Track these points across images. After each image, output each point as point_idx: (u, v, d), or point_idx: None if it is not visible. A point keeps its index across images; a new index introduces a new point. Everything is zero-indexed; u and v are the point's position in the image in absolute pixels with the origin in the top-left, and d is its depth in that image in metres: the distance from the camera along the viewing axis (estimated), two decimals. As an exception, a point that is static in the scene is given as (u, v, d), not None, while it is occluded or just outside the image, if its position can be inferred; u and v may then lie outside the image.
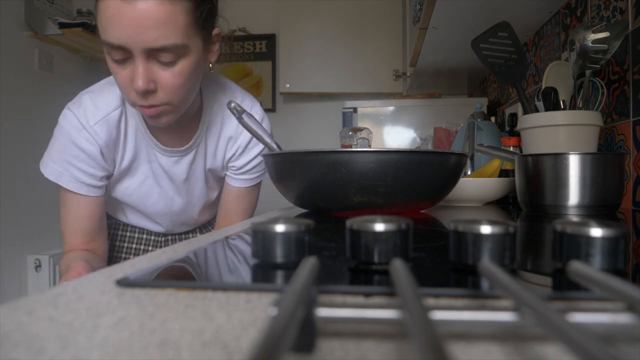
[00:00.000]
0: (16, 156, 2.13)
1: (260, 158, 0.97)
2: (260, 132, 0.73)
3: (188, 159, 0.90)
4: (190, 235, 1.09)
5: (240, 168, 0.96)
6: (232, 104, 0.72)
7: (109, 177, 0.87)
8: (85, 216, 0.85)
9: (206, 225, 1.13)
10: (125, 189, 0.90)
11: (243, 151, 0.94)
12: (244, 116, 0.72)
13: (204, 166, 0.93)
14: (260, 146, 0.95)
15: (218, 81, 0.93)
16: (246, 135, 0.93)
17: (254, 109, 0.94)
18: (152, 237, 1.04)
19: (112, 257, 1.00)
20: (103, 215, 0.89)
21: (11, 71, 2.11)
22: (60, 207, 0.86)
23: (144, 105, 0.74)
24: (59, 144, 0.82)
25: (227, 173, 0.98)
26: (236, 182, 0.97)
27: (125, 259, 1.02)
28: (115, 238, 1.02)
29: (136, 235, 1.03)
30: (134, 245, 1.03)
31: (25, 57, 2.20)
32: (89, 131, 0.80)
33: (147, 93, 0.72)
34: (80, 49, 2.43)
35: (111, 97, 0.83)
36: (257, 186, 1.02)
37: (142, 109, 0.75)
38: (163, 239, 1.06)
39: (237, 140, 0.94)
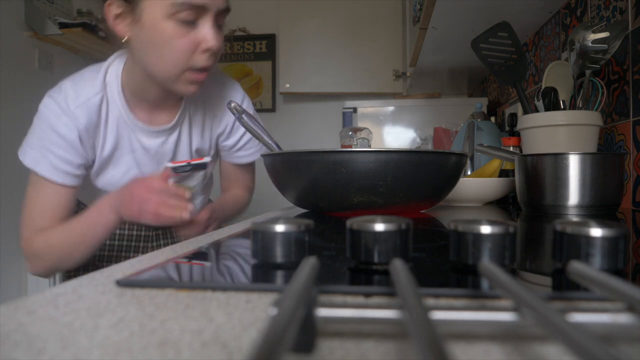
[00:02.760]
0: (16, 156, 2.13)
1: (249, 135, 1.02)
2: (259, 131, 0.73)
3: (173, 137, 0.91)
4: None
5: (233, 146, 0.99)
6: (232, 104, 0.73)
7: (87, 167, 0.87)
8: (59, 203, 0.84)
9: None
10: (110, 179, 0.89)
11: (232, 129, 0.97)
12: (244, 116, 0.72)
13: (190, 145, 0.94)
14: (251, 109, 1.00)
15: None
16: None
17: (235, 88, 0.98)
18: (143, 233, 1.02)
19: (104, 257, 0.98)
20: (73, 206, 0.88)
21: (11, 71, 2.11)
22: (29, 192, 0.85)
23: (204, 68, 0.76)
24: (38, 131, 0.82)
25: (222, 153, 1.01)
26: (234, 159, 1.01)
27: (116, 256, 1.00)
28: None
29: (126, 232, 1.01)
30: (124, 243, 1.01)
31: (25, 57, 2.20)
32: (69, 116, 0.80)
33: (215, 54, 0.76)
34: (80, 49, 2.43)
35: (92, 83, 0.83)
36: (253, 164, 1.07)
37: (196, 75, 0.77)
38: (154, 233, 1.03)
39: (223, 119, 0.96)
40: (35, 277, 2.18)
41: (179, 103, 0.91)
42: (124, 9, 0.76)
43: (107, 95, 0.84)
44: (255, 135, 0.73)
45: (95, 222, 0.81)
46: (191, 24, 0.73)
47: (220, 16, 0.76)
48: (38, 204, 0.84)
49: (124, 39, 0.78)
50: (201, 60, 0.76)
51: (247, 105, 0.98)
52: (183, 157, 0.95)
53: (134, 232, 1.02)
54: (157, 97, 0.85)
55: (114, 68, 0.85)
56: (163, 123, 0.89)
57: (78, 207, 0.99)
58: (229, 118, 0.96)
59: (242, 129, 0.97)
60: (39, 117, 0.82)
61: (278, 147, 0.73)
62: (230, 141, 0.98)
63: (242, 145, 1.00)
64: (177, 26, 0.73)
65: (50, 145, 0.81)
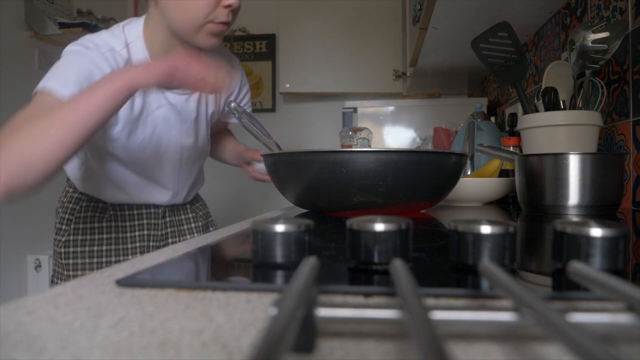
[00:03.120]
0: (16, 156, 2.13)
1: (249, 95, 1.13)
2: (260, 132, 0.73)
3: (195, 96, 0.96)
4: (188, 207, 1.11)
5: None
6: (233, 104, 0.73)
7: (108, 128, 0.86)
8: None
9: (197, 207, 1.15)
10: (141, 142, 0.90)
11: (237, 95, 1.07)
12: (244, 117, 0.73)
13: (207, 107, 1.00)
14: (247, 87, 1.11)
15: None
16: (238, 77, 1.07)
17: (238, 62, 1.08)
18: (152, 221, 1.03)
19: (119, 250, 0.99)
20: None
21: (11, 71, 2.11)
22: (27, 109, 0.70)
23: (223, 22, 0.82)
24: (63, 64, 0.76)
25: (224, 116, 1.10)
26: (230, 119, 1.11)
27: (131, 248, 1.01)
28: (117, 230, 1.00)
29: (136, 222, 1.01)
30: (137, 233, 1.02)
31: (25, 57, 2.20)
32: (99, 55, 0.80)
33: (232, 11, 0.83)
34: (80, 49, 2.43)
35: (115, 39, 0.84)
36: None
37: (216, 26, 0.82)
38: (162, 221, 1.05)
39: (230, 85, 1.06)
40: (35, 277, 2.18)
41: None
42: None
43: (131, 52, 0.86)
44: (255, 135, 0.73)
45: (95, 90, 0.66)
46: None
47: None
48: (31, 110, 0.70)
49: None
50: (222, 14, 0.82)
51: (244, 83, 1.09)
52: (202, 119, 1.00)
53: (144, 221, 1.02)
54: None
55: (132, 29, 0.87)
56: None
57: (79, 200, 0.99)
58: (235, 84, 1.06)
59: (247, 91, 1.09)
60: (64, 56, 0.78)
61: (278, 146, 0.73)
62: (238, 100, 1.08)
63: (244, 104, 1.10)
64: None
65: (80, 70, 0.75)
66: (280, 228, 0.28)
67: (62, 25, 2.20)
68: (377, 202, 0.58)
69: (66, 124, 0.62)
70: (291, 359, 0.16)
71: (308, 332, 0.16)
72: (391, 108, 2.07)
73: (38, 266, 2.18)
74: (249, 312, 0.21)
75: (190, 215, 1.11)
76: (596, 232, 0.25)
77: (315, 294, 0.18)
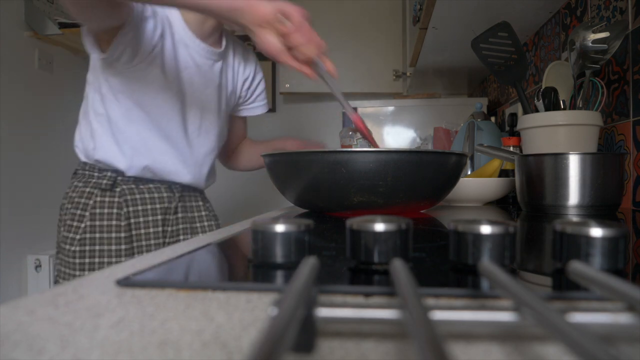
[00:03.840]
0: (16, 156, 2.13)
1: (263, 85, 1.17)
2: (333, 85, 0.75)
3: (218, 66, 1.01)
4: (201, 205, 1.11)
5: (251, 96, 1.14)
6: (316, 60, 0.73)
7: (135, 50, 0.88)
8: None
9: (208, 207, 1.15)
10: (164, 96, 0.93)
11: (253, 77, 1.13)
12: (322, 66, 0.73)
13: (227, 81, 1.06)
14: (261, 74, 1.16)
15: None
16: (252, 62, 1.12)
17: (252, 53, 1.14)
18: (166, 216, 1.02)
19: (132, 249, 0.97)
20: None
21: (11, 71, 2.11)
22: None
23: None
24: None
25: (237, 108, 1.14)
26: (246, 111, 1.16)
27: (145, 246, 0.99)
28: (131, 228, 0.98)
29: (150, 218, 0.99)
30: (151, 230, 1.00)
31: (25, 57, 2.20)
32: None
33: None
34: (80, 49, 2.43)
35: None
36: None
37: None
38: (174, 217, 1.04)
39: (247, 66, 1.11)
40: (35, 277, 2.18)
41: (221, 41, 1.02)
42: None
43: (166, 14, 0.91)
44: (334, 92, 0.73)
45: None
46: None
47: None
48: None
49: None
50: None
51: (258, 71, 1.15)
52: (223, 91, 1.04)
53: (157, 205, 1.01)
54: (211, 27, 0.96)
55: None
56: (214, 46, 1.00)
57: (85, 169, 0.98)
58: (251, 67, 1.11)
59: (260, 79, 1.15)
60: None
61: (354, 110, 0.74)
62: (251, 90, 1.14)
63: (259, 94, 1.15)
64: None
65: None
66: (280, 228, 0.28)
67: (62, 25, 2.20)
68: (377, 202, 0.58)
69: None
70: (291, 359, 0.16)
71: (308, 332, 0.16)
72: (391, 108, 2.07)
73: (38, 266, 2.18)
74: (249, 312, 0.21)
75: (203, 213, 1.12)
76: (596, 232, 0.25)
77: (315, 294, 0.18)
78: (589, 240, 0.25)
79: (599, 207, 0.66)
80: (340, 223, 0.54)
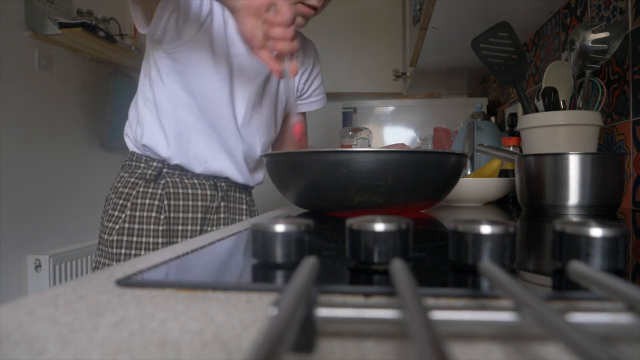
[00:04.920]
0: (16, 156, 2.13)
1: (321, 79, 1.15)
2: None
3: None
4: (244, 205, 1.08)
5: (308, 89, 1.12)
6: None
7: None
8: None
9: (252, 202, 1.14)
10: (206, 83, 0.92)
11: (312, 69, 1.11)
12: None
13: (278, 84, 1.04)
14: (320, 79, 1.14)
15: None
16: (317, 69, 1.12)
17: (310, 45, 1.13)
18: (207, 215, 0.99)
19: (168, 243, 0.94)
20: None
21: (11, 71, 2.11)
22: None
23: (313, 7, 0.86)
24: None
25: (297, 103, 1.12)
26: (304, 106, 1.13)
27: (182, 230, 0.97)
28: (170, 222, 0.95)
29: (190, 214, 0.97)
30: (189, 227, 0.97)
31: (25, 57, 2.20)
32: None
33: None
34: (80, 49, 2.43)
35: None
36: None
37: (305, 7, 0.86)
38: (215, 216, 1.00)
39: (305, 58, 1.09)
40: (35, 277, 2.18)
41: None
42: None
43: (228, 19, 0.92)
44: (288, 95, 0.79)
45: None
46: None
47: None
48: None
49: None
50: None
51: (317, 63, 1.13)
52: (274, 87, 1.02)
53: (198, 203, 0.98)
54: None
55: None
56: None
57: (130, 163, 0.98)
58: (310, 58, 1.10)
59: (318, 72, 1.13)
60: None
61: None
62: (308, 83, 1.11)
63: (315, 88, 1.13)
64: None
65: None
66: (280, 228, 0.28)
67: (62, 25, 2.20)
68: (377, 202, 0.58)
69: None
70: (291, 359, 0.16)
71: (308, 332, 0.16)
72: (391, 108, 2.07)
73: (38, 266, 2.18)
74: (249, 312, 0.21)
75: (244, 218, 1.06)
76: (596, 232, 0.25)
77: (315, 294, 0.18)
78: (589, 240, 0.25)
79: (599, 207, 0.66)
80: (340, 223, 0.54)
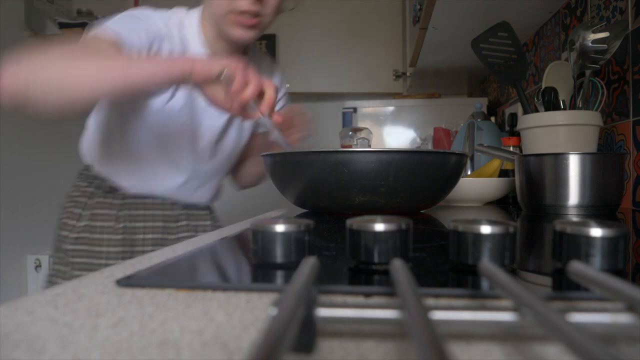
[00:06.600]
0: (16, 156, 2.13)
1: (284, 101, 1.09)
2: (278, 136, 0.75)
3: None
4: (206, 210, 1.07)
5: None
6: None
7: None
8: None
9: (213, 216, 1.11)
10: (169, 113, 0.89)
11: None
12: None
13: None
14: (284, 101, 1.08)
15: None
16: (278, 78, 1.06)
17: (279, 71, 1.08)
18: (163, 212, 0.98)
19: (126, 253, 0.94)
20: None
21: (11, 71, 2.11)
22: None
23: (250, 11, 0.80)
24: (119, 20, 0.81)
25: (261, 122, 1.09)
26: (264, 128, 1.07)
27: (142, 242, 0.97)
28: (128, 231, 0.96)
29: (150, 224, 0.96)
30: (149, 224, 0.97)
31: (25, 57, 2.20)
32: (151, 24, 0.83)
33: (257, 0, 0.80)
34: (80, 49, 2.43)
35: (175, 15, 0.87)
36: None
37: (240, 17, 0.81)
38: (175, 225, 1.00)
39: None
40: (35, 277, 2.18)
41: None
42: None
43: (187, 34, 0.88)
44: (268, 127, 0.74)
45: (153, 63, 0.68)
46: None
47: None
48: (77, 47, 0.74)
49: None
50: (241, 4, 0.79)
51: (282, 95, 1.08)
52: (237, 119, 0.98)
53: (155, 212, 0.98)
54: (225, 47, 0.90)
55: (191, 15, 0.90)
56: None
57: (92, 181, 0.96)
58: (276, 82, 1.04)
59: (282, 94, 1.07)
60: (120, 15, 0.83)
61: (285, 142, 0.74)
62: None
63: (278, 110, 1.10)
64: None
65: (134, 26, 0.80)
66: (280, 228, 0.28)
67: (62, 25, 2.20)
68: (378, 202, 0.58)
69: (111, 73, 0.65)
70: (291, 359, 0.16)
71: (308, 332, 0.16)
72: (391, 108, 2.07)
73: (38, 266, 2.18)
74: (249, 312, 0.21)
75: (207, 222, 1.07)
76: (596, 232, 0.25)
77: (315, 294, 0.18)
78: (589, 240, 0.25)
79: (599, 207, 0.66)
80: (341, 223, 0.54)
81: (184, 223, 1.02)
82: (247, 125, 1.02)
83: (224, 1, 0.80)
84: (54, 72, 0.64)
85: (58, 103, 0.64)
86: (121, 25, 0.79)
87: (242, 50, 0.95)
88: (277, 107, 1.05)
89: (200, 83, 0.67)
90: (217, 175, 1.04)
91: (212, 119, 0.94)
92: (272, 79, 1.05)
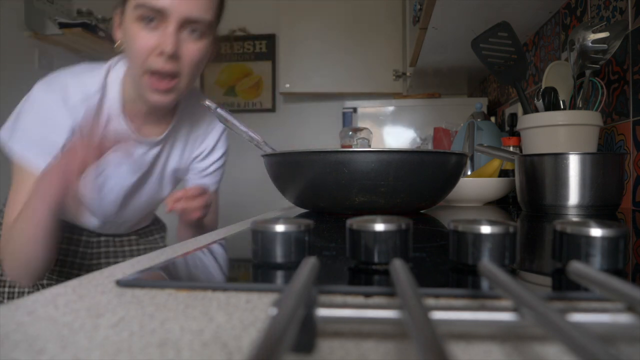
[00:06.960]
0: (16, 156, 2.13)
1: (222, 162, 1.01)
2: (236, 122, 0.73)
3: (154, 151, 0.89)
4: (128, 237, 1.04)
5: (203, 170, 0.99)
6: (207, 101, 0.74)
7: None
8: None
9: (145, 232, 1.08)
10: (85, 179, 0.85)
11: (209, 153, 0.98)
12: (219, 109, 0.73)
13: (166, 163, 0.93)
14: (222, 150, 1.00)
15: None
16: (213, 136, 0.97)
17: (213, 123, 0.98)
18: (83, 238, 0.96)
19: (82, 265, 0.94)
20: None
21: (11, 71, 2.11)
22: (14, 182, 0.79)
23: (161, 72, 0.74)
24: (31, 119, 0.79)
25: (189, 176, 1.00)
26: (193, 183, 0.99)
27: (96, 264, 0.96)
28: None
29: (65, 234, 0.94)
30: (63, 246, 0.94)
31: (25, 57, 2.20)
32: (69, 109, 0.78)
33: (171, 58, 0.73)
34: (80, 49, 2.43)
35: (93, 80, 0.81)
36: (216, 192, 1.03)
37: (153, 80, 0.75)
38: (96, 240, 0.98)
39: (205, 140, 0.97)
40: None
41: (170, 119, 0.90)
42: (119, 15, 0.79)
43: (107, 95, 0.82)
44: (231, 126, 0.73)
45: (35, 209, 0.72)
46: (155, 27, 0.73)
47: (192, 24, 0.74)
48: (21, 194, 0.77)
49: (117, 44, 0.81)
50: (155, 62, 0.74)
51: (219, 147, 1.00)
52: (157, 173, 0.92)
53: (74, 236, 0.95)
54: (145, 108, 0.84)
55: (116, 72, 0.84)
56: (151, 135, 0.88)
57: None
58: (210, 141, 0.97)
59: (217, 154, 0.99)
60: (33, 105, 0.79)
61: (267, 144, 0.73)
62: (203, 164, 0.98)
63: (212, 171, 1.00)
64: (141, 28, 0.73)
65: (46, 133, 0.78)
66: (280, 228, 0.28)
67: (62, 25, 2.20)
68: (378, 202, 0.58)
69: (36, 224, 0.72)
70: (291, 359, 0.16)
71: (308, 332, 0.16)
72: (391, 108, 2.07)
73: (38, 266, 2.18)
74: (249, 312, 0.21)
75: (134, 248, 1.04)
76: (596, 232, 0.25)
77: (315, 294, 0.18)
78: (589, 240, 0.25)
79: (599, 207, 0.66)
80: (341, 223, 0.54)
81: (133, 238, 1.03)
82: (167, 181, 0.96)
83: (139, 59, 0.75)
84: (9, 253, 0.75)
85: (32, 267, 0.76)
86: (39, 147, 0.78)
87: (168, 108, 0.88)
88: (214, 168, 1.00)
89: (74, 180, 0.70)
90: (136, 219, 1.00)
91: (122, 179, 0.88)
92: (211, 129, 0.97)
